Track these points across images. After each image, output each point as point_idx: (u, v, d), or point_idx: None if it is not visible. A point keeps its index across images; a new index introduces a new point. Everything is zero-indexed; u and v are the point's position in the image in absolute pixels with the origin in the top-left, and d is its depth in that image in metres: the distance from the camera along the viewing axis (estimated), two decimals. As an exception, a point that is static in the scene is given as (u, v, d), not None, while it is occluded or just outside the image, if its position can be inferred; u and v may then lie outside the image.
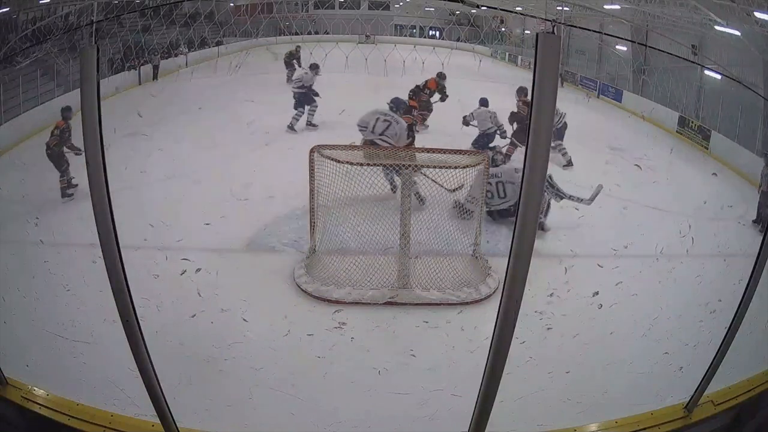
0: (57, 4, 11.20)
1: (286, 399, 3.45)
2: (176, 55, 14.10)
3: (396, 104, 7.35)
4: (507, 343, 1.59)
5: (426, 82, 8.99)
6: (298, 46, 12.62)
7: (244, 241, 5.49)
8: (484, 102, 8.09)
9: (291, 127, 9.08)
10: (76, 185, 6.55)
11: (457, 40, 18.40)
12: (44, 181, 6.54)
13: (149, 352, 1.86)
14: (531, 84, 1.36)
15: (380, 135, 6.06)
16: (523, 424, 3.07)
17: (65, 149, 6.62)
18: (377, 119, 6.20)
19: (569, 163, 8.01)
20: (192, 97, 10.77)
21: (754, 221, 6.56)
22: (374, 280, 4.65)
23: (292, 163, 5.86)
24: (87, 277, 4.21)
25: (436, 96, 9.13)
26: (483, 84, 13.37)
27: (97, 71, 1.57)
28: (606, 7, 12.84)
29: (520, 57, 17.22)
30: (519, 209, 1.44)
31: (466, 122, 8.04)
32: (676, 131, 10.87)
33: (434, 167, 4.95)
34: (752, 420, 2.51)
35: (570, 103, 10.79)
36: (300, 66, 11.90)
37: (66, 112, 6.83)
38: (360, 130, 6.22)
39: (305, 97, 9.17)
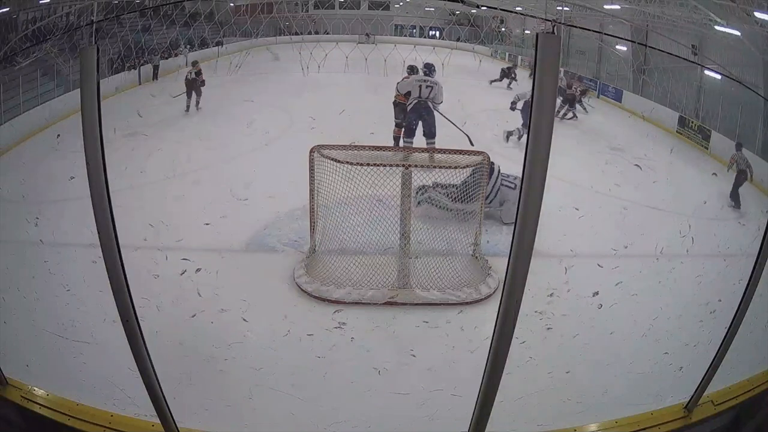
0: (57, 4, 11.19)
1: (286, 399, 3.45)
2: (176, 55, 14.08)
3: (429, 68, 7.44)
4: (507, 343, 1.59)
5: None
6: (515, 63, 12.87)
7: (244, 241, 5.49)
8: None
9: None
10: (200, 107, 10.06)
11: (457, 40, 18.36)
12: (44, 181, 6.55)
13: (149, 352, 1.86)
14: (531, 84, 1.36)
15: (427, 98, 6.61)
16: (523, 424, 3.07)
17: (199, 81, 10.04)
18: (420, 86, 6.62)
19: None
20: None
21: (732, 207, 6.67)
22: (374, 280, 4.65)
23: (292, 163, 5.85)
24: (87, 277, 4.21)
25: None
26: (483, 83, 13.46)
27: (97, 71, 1.57)
28: (606, 7, 12.84)
29: (520, 57, 17.20)
30: (519, 209, 1.44)
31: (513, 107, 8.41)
32: (676, 131, 10.87)
33: (434, 167, 4.94)
34: (752, 420, 2.51)
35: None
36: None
37: (195, 63, 10.50)
38: (399, 94, 6.80)
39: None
